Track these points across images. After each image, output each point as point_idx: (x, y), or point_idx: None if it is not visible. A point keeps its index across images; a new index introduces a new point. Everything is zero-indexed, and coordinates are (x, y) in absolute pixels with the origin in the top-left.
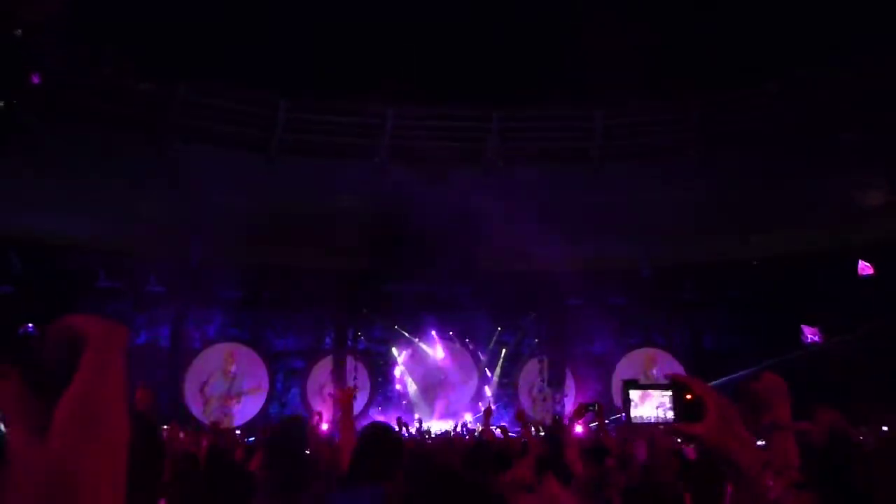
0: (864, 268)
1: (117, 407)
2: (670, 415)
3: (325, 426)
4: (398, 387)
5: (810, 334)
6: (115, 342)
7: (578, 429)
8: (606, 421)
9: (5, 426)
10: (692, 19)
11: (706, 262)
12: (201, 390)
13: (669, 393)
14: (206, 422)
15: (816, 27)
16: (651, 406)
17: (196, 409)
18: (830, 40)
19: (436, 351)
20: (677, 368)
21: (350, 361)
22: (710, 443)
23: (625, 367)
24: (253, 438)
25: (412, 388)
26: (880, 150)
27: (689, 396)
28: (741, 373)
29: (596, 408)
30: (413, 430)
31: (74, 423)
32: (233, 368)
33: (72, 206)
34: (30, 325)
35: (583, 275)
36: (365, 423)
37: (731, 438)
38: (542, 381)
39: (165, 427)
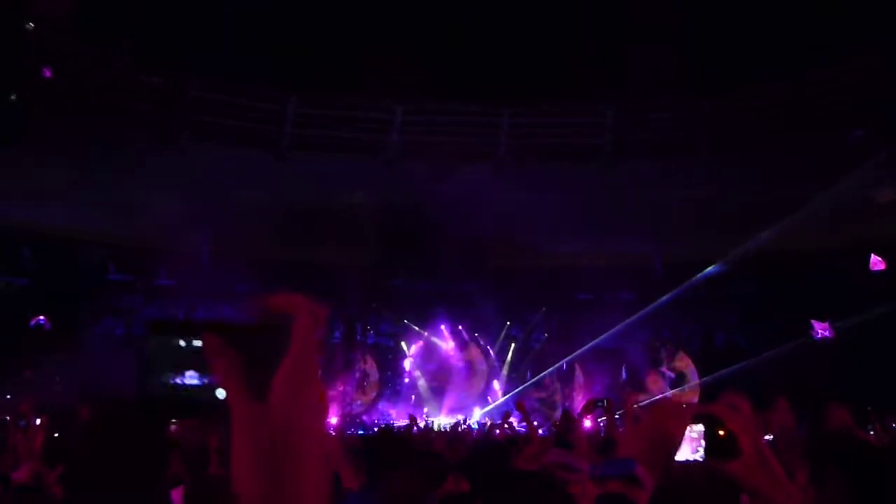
0: (877, 263)
1: (318, 373)
2: (699, 452)
3: (334, 420)
4: (407, 381)
5: (820, 329)
6: (319, 319)
7: (587, 423)
8: (616, 416)
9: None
10: (703, 17)
11: (717, 258)
12: None
13: (700, 427)
14: None
15: (826, 25)
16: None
17: None
18: (840, 37)
19: (445, 346)
20: (688, 364)
21: (359, 355)
22: (745, 481)
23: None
24: None
25: (421, 382)
26: (892, 147)
27: (721, 432)
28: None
29: (605, 404)
30: (421, 425)
31: (292, 388)
32: None
33: (83, 201)
34: (41, 317)
35: (593, 270)
36: (375, 416)
37: (767, 476)
38: (551, 375)
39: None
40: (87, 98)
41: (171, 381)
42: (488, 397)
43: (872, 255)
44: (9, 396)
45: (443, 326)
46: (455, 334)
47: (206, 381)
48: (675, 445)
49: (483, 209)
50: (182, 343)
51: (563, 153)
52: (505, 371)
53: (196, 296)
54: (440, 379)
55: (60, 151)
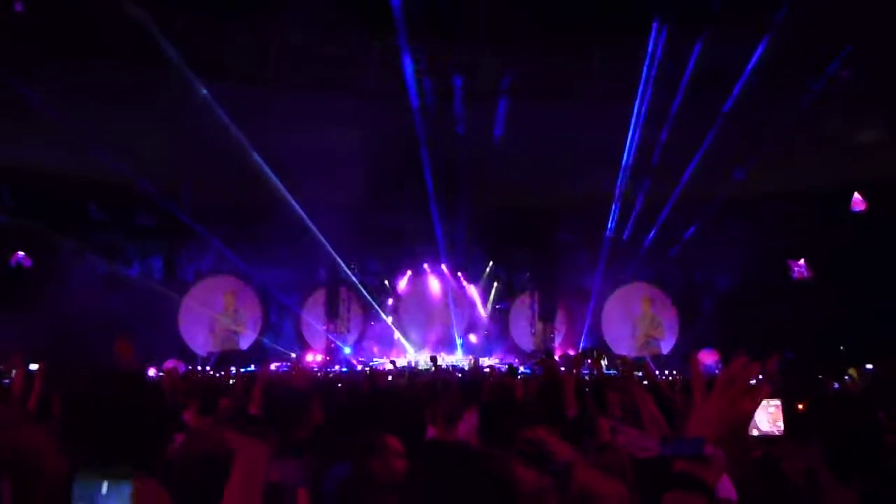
0: (857, 202)
1: None
2: (779, 424)
3: (318, 358)
4: (391, 319)
5: (797, 268)
6: (259, 463)
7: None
8: (604, 364)
9: None
10: None
11: (700, 197)
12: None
13: (777, 401)
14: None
15: None
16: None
17: (196, 342)
18: None
19: (429, 284)
20: (668, 306)
21: (343, 294)
22: None
23: (616, 302)
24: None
25: (405, 320)
26: (878, 88)
27: (801, 406)
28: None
29: (595, 354)
30: (404, 363)
31: None
32: (234, 301)
33: (64, 138)
34: (20, 253)
35: (575, 209)
36: (358, 354)
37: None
38: (534, 314)
39: (161, 373)
40: (66, 32)
41: None
42: (471, 335)
43: (855, 194)
44: None
45: (426, 265)
46: (438, 272)
47: None
48: (748, 421)
49: (469, 148)
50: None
51: (547, 92)
52: (488, 308)
53: (179, 234)
54: (423, 317)
55: (42, 88)
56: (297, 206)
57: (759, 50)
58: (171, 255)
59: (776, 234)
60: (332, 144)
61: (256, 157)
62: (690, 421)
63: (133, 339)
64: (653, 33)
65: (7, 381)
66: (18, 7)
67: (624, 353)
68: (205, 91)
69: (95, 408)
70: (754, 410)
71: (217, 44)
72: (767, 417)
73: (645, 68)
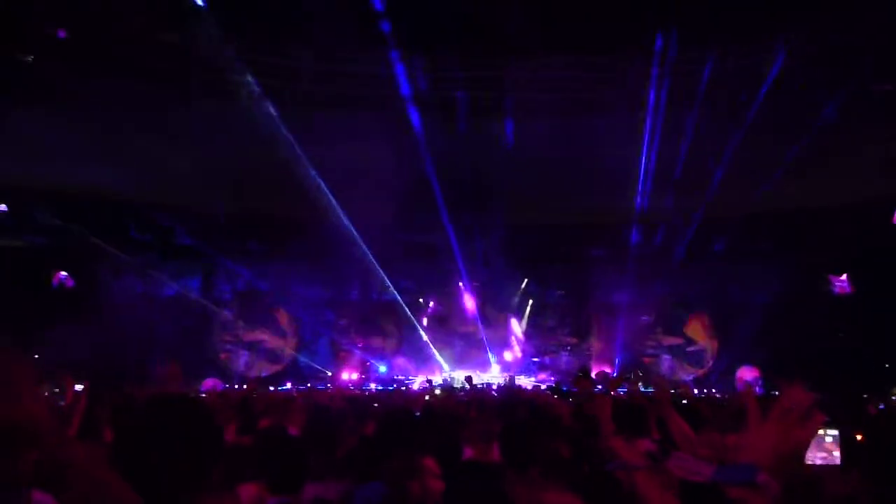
0: None
1: None
2: (836, 455)
3: (354, 376)
4: (424, 337)
5: (838, 283)
6: None
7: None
8: (639, 384)
9: None
10: None
11: (735, 212)
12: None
13: (835, 431)
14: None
15: None
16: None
17: (233, 360)
18: None
19: (462, 302)
20: (706, 323)
21: (378, 311)
22: None
23: (651, 319)
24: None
25: (439, 337)
26: None
27: (859, 437)
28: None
29: (632, 377)
30: (439, 381)
31: None
32: (270, 319)
33: (102, 159)
34: (62, 273)
35: (608, 226)
36: (392, 373)
37: None
38: (568, 331)
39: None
40: (106, 56)
41: None
42: (505, 352)
43: None
44: (36, 356)
45: (460, 283)
46: (472, 290)
47: None
48: (803, 450)
49: (498, 165)
50: None
51: (565, 109)
52: (523, 326)
53: (215, 254)
54: (457, 335)
55: (79, 109)
56: (336, 223)
57: (780, 58)
58: (209, 273)
59: (816, 249)
60: (360, 161)
61: (293, 173)
62: (743, 449)
63: (179, 361)
64: (658, 41)
65: (63, 402)
66: (62, 34)
67: (660, 370)
68: (274, 112)
69: (151, 433)
70: (810, 439)
71: (244, 63)
72: (820, 448)
73: (654, 75)
